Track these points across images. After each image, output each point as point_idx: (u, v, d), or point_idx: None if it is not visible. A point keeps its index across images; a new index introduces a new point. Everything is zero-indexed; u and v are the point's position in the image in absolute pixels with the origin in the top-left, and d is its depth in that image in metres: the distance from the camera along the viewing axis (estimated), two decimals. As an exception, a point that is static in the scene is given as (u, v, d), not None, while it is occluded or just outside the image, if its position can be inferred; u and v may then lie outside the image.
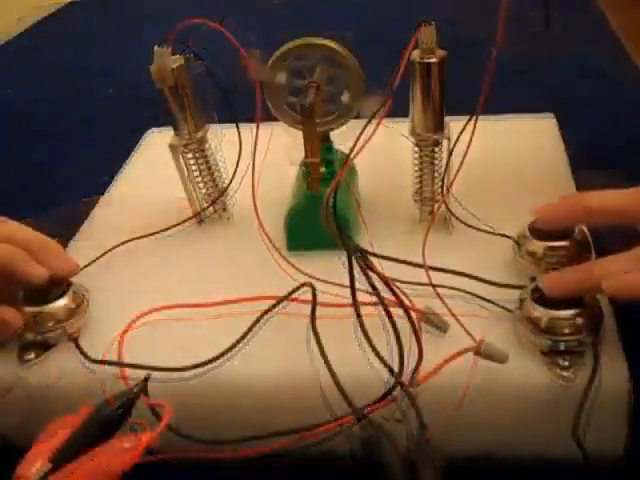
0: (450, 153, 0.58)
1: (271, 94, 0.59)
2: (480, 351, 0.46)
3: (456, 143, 0.57)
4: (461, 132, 0.57)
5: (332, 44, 0.56)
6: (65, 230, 0.66)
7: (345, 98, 0.58)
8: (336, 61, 0.57)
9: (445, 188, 0.59)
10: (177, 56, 0.59)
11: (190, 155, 0.63)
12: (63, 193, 0.84)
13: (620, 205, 0.48)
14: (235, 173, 0.62)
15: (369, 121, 0.48)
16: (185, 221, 0.64)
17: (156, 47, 0.57)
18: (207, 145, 0.63)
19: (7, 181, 0.89)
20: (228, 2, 1.35)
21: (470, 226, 0.60)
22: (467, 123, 0.55)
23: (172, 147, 0.62)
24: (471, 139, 0.56)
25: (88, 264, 0.60)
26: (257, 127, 0.56)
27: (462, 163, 0.57)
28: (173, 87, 0.59)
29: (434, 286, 0.52)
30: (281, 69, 0.57)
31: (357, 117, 0.58)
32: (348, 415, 0.45)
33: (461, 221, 0.60)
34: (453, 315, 0.50)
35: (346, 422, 0.45)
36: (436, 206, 0.59)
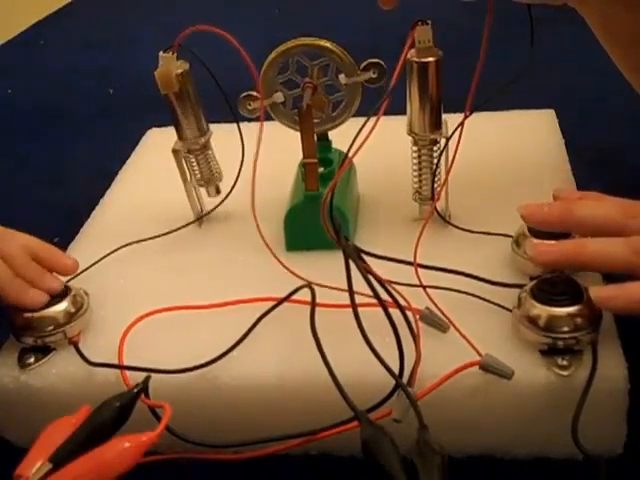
0: (441, 152, 0.58)
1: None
2: (485, 366, 0.46)
3: (448, 142, 0.57)
4: (454, 132, 0.57)
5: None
6: (65, 231, 0.66)
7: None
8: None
9: (442, 186, 0.59)
10: (181, 62, 0.59)
11: (193, 160, 0.63)
12: (63, 193, 0.85)
13: (608, 220, 0.48)
14: (237, 177, 0.62)
15: (367, 120, 0.48)
16: (186, 225, 0.64)
17: (161, 53, 0.57)
18: (210, 152, 0.63)
19: (7, 181, 0.90)
20: (227, 3, 1.36)
21: (469, 230, 0.60)
22: (461, 123, 0.56)
23: (175, 152, 0.62)
24: (459, 141, 0.56)
25: (88, 267, 0.60)
26: (261, 128, 0.56)
27: (453, 162, 0.57)
28: (177, 93, 0.59)
29: (425, 287, 0.52)
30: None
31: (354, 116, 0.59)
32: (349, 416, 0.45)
33: (457, 226, 0.60)
34: (451, 323, 0.50)
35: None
36: (434, 205, 0.59)
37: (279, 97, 0.58)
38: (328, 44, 0.57)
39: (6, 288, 0.52)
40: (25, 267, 0.53)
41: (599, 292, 0.46)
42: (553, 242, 0.50)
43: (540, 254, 0.49)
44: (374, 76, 0.56)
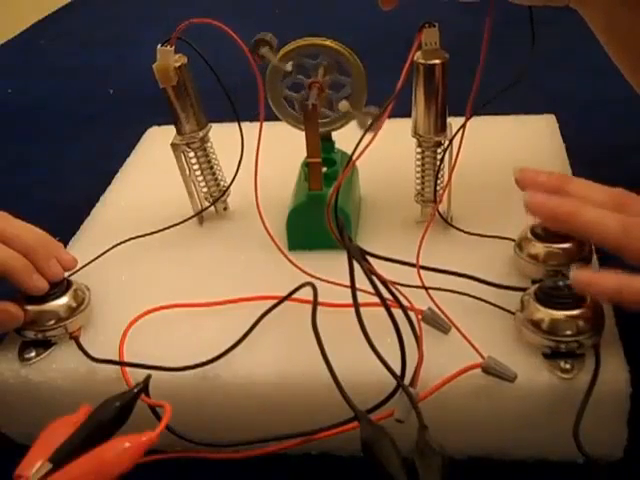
0: (444, 155, 0.58)
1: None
2: (488, 369, 0.46)
3: (450, 145, 0.57)
4: (455, 134, 0.57)
5: (334, 44, 0.56)
6: (65, 230, 0.66)
7: (346, 101, 0.58)
8: (338, 61, 0.57)
9: (446, 189, 0.59)
10: (179, 55, 0.59)
11: (192, 154, 0.63)
12: (63, 193, 0.85)
13: (601, 203, 0.47)
14: (237, 172, 0.62)
15: (372, 122, 0.48)
16: (186, 220, 0.64)
17: (159, 46, 0.57)
18: (209, 144, 0.63)
19: (7, 181, 0.89)
20: (227, 3, 1.36)
21: (471, 233, 0.60)
22: (460, 128, 0.56)
23: (174, 146, 0.62)
24: (461, 143, 0.56)
25: (89, 262, 0.60)
26: (260, 126, 0.56)
27: (454, 165, 0.57)
28: (175, 86, 0.59)
29: (427, 288, 0.52)
30: (281, 75, 0.58)
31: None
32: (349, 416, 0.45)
33: (459, 229, 0.60)
34: (453, 325, 0.50)
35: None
36: (437, 207, 0.59)
37: (289, 66, 0.57)
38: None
39: (14, 267, 0.52)
40: (34, 247, 0.53)
41: (579, 275, 0.45)
42: (552, 196, 0.48)
43: (534, 205, 0.47)
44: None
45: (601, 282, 0.45)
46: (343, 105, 0.53)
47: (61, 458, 0.41)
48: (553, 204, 0.47)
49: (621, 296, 0.44)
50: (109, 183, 0.74)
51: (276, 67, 0.57)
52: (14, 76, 1.24)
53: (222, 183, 0.65)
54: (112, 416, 0.43)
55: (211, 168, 0.64)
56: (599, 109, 0.88)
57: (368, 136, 0.47)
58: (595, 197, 0.48)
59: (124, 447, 0.41)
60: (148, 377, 0.46)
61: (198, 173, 0.64)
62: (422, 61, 0.54)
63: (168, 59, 0.57)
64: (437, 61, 0.54)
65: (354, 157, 0.48)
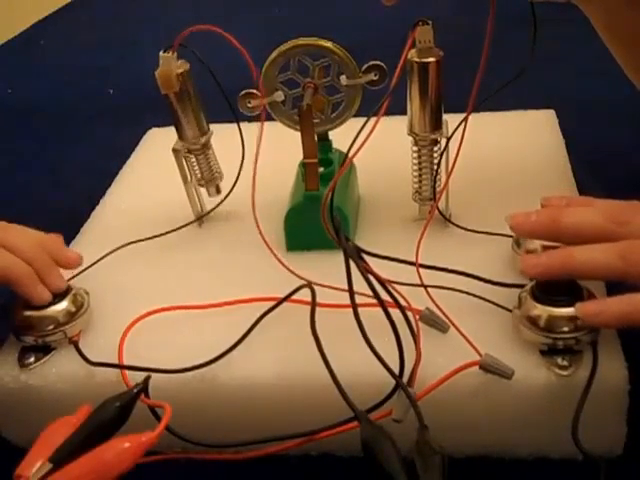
0: (443, 152, 0.58)
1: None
2: (485, 366, 0.46)
3: (449, 142, 0.57)
4: (454, 131, 0.57)
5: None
6: (65, 231, 0.66)
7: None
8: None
9: (443, 186, 0.59)
10: (182, 61, 0.59)
11: (193, 159, 0.63)
12: (63, 193, 0.85)
13: (594, 229, 0.48)
14: (238, 177, 0.62)
15: (367, 120, 0.48)
16: (186, 225, 0.64)
17: (161, 52, 0.57)
18: (210, 151, 0.63)
19: (7, 181, 0.89)
20: (227, 3, 1.36)
21: (470, 230, 0.60)
22: (461, 123, 0.56)
23: (175, 152, 0.62)
24: (462, 138, 0.56)
25: (89, 266, 0.60)
26: (261, 128, 0.56)
27: (455, 162, 0.57)
28: (178, 93, 0.59)
29: (426, 287, 0.52)
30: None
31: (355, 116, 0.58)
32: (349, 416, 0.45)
33: (458, 225, 0.60)
34: (451, 323, 0.50)
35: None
36: (434, 205, 0.59)
37: (279, 96, 0.58)
38: (330, 44, 0.56)
39: (20, 277, 0.52)
40: (36, 259, 0.53)
41: (583, 309, 0.46)
42: (541, 253, 0.49)
43: (529, 267, 0.48)
44: (375, 78, 0.56)
45: (608, 310, 0.45)
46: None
47: (61, 458, 0.41)
48: (545, 263, 0.48)
49: (631, 319, 0.44)
50: (109, 184, 0.74)
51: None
52: (14, 76, 1.24)
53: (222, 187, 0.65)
54: (112, 416, 0.43)
55: (212, 173, 0.64)
56: (599, 108, 0.88)
57: (364, 134, 0.48)
58: (592, 221, 0.48)
59: (124, 447, 0.41)
60: (148, 377, 0.46)
61: (199, 177, 0.64)
62: (416, 59, 0.54)
63: (170, 65, 0.57)
64: (431, 59, 0.54)
65: (349, 155, 0.48)
